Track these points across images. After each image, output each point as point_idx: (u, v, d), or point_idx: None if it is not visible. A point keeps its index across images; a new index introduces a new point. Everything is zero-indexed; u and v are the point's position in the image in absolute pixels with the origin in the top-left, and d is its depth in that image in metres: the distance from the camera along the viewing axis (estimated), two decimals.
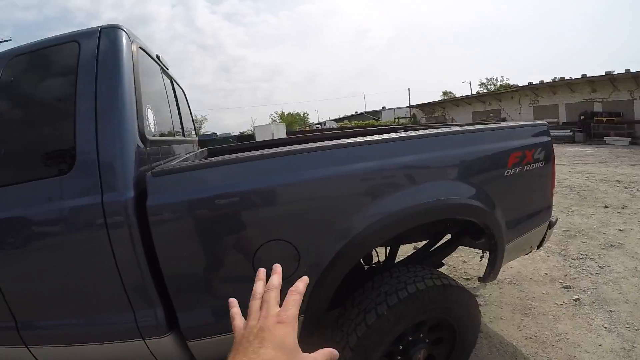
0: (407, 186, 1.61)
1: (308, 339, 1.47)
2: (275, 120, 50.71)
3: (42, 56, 1.59)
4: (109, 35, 1.52)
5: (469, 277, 3.39)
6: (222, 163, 1.44)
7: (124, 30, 1.56)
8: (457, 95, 37.86)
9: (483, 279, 2.02)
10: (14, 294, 1.47)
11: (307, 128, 39.88)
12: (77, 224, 1.41)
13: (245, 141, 8.12)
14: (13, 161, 1.52)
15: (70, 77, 1.48)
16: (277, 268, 0.62)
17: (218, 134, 29.42)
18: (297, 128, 42.80)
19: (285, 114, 55.66)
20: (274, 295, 0.56)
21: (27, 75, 1.62)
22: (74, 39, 1.53)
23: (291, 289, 0.56)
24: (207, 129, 49.49)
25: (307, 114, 60.46)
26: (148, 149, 1.56)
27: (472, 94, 33.91)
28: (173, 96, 2.67)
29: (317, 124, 49.03)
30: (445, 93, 48.87)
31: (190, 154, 2.60)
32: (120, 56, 1.48)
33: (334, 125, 39.62)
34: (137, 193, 1.36)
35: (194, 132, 3.56)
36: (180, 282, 1.43)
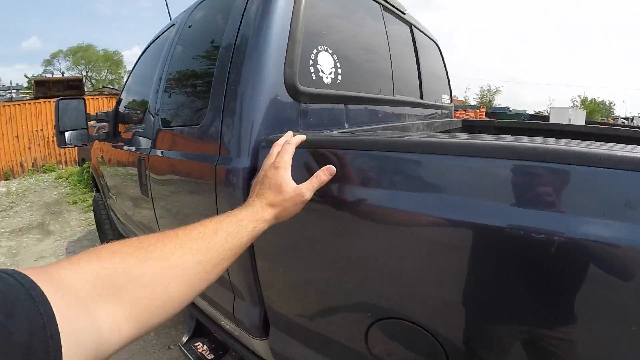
0: None
1: None
2: (576, 105, 42.70)
3: (214, 2, 1.52)
4: None
5: None
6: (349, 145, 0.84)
7: None
8: None
9: None
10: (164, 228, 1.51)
11: (611, 121, 31.15)
12: (197, 178, 1.26)
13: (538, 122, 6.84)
14: (184, 105, 1.51)
15: (224, 21, 1.28)
16: (290, 135, 0.84)
17: (511, 108, 27.18)
18: (600, 118, 34.70)
19: (588, 99, 46.14)
20: (287, 147, 0.77)
21: (201, 22, 1.55)
22: None
23: (286, 139, 0.81)
24: (500, 101, 46.82)
25: (613, 105, 48.90)
26: (304, 105, 1.16)
27: None
28: (411, 48, 2.15)
29: (623, 118, 37.83)
30: None
31: (416, 123, 2.06)
32: None
33: None
34: (254, 164, 1.02)
35: (446, 97, 2.93)
36: (270, 290, 1.09)
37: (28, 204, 7.11)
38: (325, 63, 1.26)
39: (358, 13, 1.60)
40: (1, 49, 76.91)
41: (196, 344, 1.76)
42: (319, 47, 1.23)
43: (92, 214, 5.53)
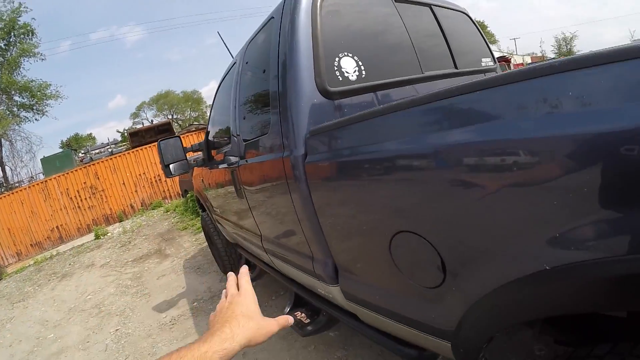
0: None
1: None
2: None
3: (259, 38, 1.96)
4: (289, 2, 1.62)
5: None
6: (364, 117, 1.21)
7: None
8: None
9: None
10: (258, 217, 2.11)
11: None
12: (271, 174, 1.71)
13: None
14: (255, 123, 1.99)
15: (268, 50, 1.73)
16: (243, 269, 0.84)
17: (594, 52, 24.53)
18: None
19: None
20: (245, 279, 0.79)
21: (253, 56, 2.03)
22: (272, 15, 1.77)
23: (240, 272, 0.82)
24: (580, 47, 41.87)
25: None
26: (337, 101, 1.55)
27: None
28: (434, 26, 2.39)
29: None
30: None
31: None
32: (294, 19, 1.55)
33: None
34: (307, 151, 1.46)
35: (487, 60, 3.07)
36: (333, 242, 1.47)
37: (144, 237, 8.36)
38: (348, 65, 1.63)
39: (370, 14, 1.94)
40: (92, 112, 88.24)
41: (295, 313, 2.24)
42: (340, 54, 1.62)
43: (201, 234, 6.44)
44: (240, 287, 0.76)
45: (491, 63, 3.01)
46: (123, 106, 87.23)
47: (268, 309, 3.16)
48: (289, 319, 0.76)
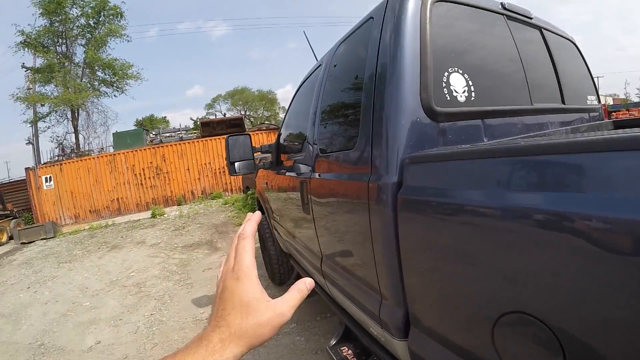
0: None
1: None
2: None
3: (353, 39, 1.76)
4: (394, 2, 1.41)
5: None
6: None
7: None
8: None
9: None
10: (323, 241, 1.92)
11: None
12: (352, 195, 1.49)
13: None
14: (337, 133, 1.81)
15: (364, 54, 1.52)
16: (254, 216, 0.61)
17: None
18: None
19: None
20: (244, 244, 0.55)
21: (344, 59, 1.84)
22: (370, 15, 1.56)
23: (239, 232, 0.57)
24: None
25: None
26: (442, 124, 1.31)
27: None
28: (544, 52, 2.09)
29: None
30: None
31: (558, 129, 1.97)
32: (400, 21, 1.34)
33: None
34: (401, 179, 1.22)
35: (592, 99, 2.69)
36: (412, 291, 1.21)
37: (198, 225, 8.51)
38: (457, 83, 1.39)
39: (482, 29, 1.69)
40: (171, 98, 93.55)
41: (342, 348, 1.99)
42: (449, 69, 1.38)
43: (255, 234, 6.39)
44: (237, 259, 0.53)
45: (596, 102, 2.66)
46: (200, 96, 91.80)
47: (311, 329, 2.95)
48: (306, 288, 0.54)
